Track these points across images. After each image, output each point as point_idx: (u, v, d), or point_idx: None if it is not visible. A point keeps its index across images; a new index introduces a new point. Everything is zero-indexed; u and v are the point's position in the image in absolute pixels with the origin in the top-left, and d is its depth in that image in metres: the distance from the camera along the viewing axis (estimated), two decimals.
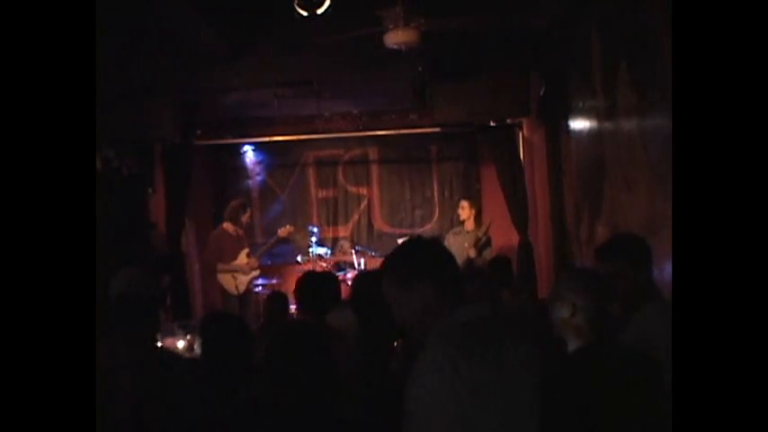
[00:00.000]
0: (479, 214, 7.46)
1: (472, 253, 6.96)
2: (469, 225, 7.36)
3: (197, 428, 2.55)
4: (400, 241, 7.39)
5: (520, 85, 6.77)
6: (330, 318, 4.03)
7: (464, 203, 7.52)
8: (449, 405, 1.75)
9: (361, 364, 2.64)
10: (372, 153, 9.15)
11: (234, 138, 8.43)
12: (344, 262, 8.29)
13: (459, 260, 6.71)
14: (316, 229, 8.26)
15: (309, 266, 7.95)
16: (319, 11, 5.18)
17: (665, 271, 3.15)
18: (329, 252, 8.36)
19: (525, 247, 7.11)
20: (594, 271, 2.67)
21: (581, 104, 5.47)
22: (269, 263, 8.33)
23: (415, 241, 2.13)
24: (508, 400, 1.80)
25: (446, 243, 7.42)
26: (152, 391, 2.68)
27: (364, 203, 9.16)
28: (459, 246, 7.05)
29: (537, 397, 1.84)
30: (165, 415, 2.61)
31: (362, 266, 8.00)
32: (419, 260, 1.97)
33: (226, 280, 7.22)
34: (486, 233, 7.25)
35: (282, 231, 7.80)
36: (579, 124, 5.60)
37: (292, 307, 5.33)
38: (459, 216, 7.55)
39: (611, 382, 2.19)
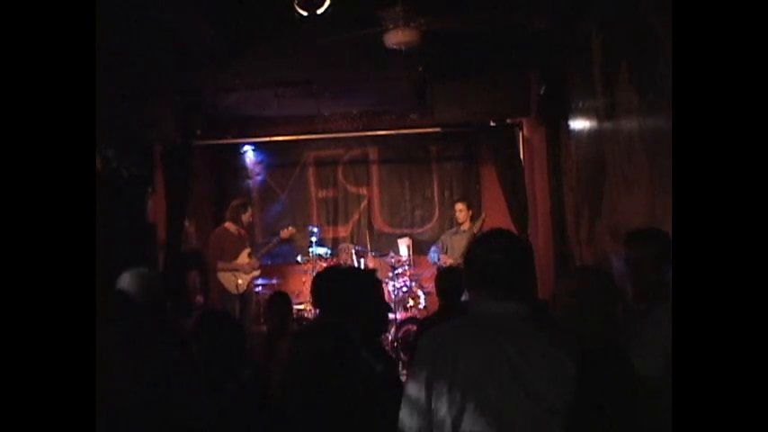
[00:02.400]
0: (475, 214, 7.48)
1: None
2: (466, 226, 7.42)
3: (189, 423, 2.55)
4: (401, 242, 7.37)
5: (520, 85, 6.77)
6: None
7: (460, 206, 7.55)
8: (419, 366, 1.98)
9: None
10: (372, 153, 9.15)
11: (234, 138, 8.44)
12: (345, 263, 8.29)
13: (461, 259, 6.76)
14: (316, 229, 8.27)
15: (309, 266, 7.96)
16: (319, 11, 5.17)
17: None
18: (329, 252, 8.37)
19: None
20: (602, 270, 2.67)
21: (581, 104, 5.48)
22: (269, 262, 8.33)
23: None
24: (476, 392, 1.87)
25: (444, 245, 7.49)
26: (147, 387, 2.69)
27: (364, 203, 9.17)
28: (459, 246, 7.12)
29: (524, 396, 1.86)
30: (159, 411, 2.61)
31: (362, 266, 8.01)
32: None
33: (226, 279, 7.22)
34: (480, 230, 7.28)
35: (285, 233, 7.81)
36: (579, 124, 5.60)
37: (296, 307, 5.33)
38: (456, 218, 7.59)
39: (619, 385, 2.19)
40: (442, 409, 1.89)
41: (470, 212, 7.49)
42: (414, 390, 1.94)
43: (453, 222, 8.04)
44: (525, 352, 1.90)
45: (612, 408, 2.14)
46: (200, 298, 7.54)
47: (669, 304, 2.51)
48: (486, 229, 7.36)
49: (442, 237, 7.80)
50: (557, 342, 1.96)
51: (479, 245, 2.13)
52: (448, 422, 1.88)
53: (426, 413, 1.91)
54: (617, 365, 2.24)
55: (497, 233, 2.18)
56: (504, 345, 1.91)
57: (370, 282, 2.82)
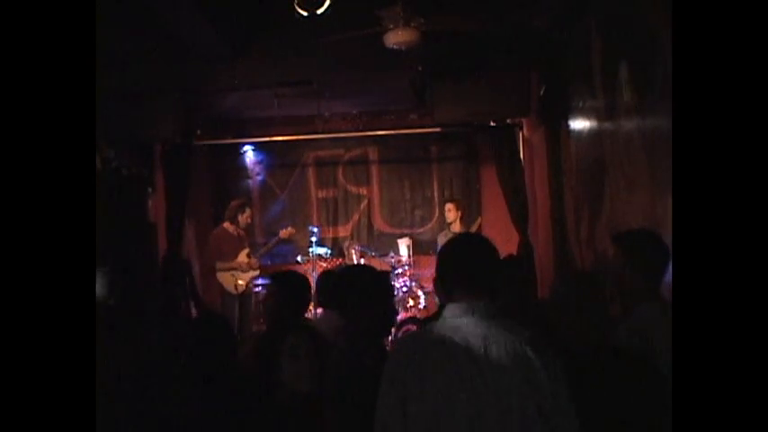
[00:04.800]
0: (465, 214, 7.49)
1: None
2: (456, 227, 7.44)
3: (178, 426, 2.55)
4: (401, 242, 7.36)
5: (520, 85, 6.76)
6: (321, 318, 4.04)
7: (449, 206, 7.56)
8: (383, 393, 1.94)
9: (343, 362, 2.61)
10: (372, 153, 9.15)
11: (234, 138, 8.43)
12: (350, 261, 8.30)
13: None
14: (316, 229, 8.27)
15: (309, 266, 7.96)
16: (319, 11, 5.18)
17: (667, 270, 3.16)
18: (329, 252, 8.36)
19: (525, 247, 7.11)
20: (594, 272, 2.68)
21: (581, 104, 5.47)
22: (269, 263, 8.34)
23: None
24: (457, 394, 1.85)
25: (439, 245, 7.54)
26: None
27: (364, 203, 9.16)
28: None
29: (503, 397, 1.83)
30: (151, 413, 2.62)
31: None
32: None
33: (225, 279, 7.22)
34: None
35: (284, 233, 7.81)
36: (579, 124, 5.60)
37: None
38: (446, 218, 7.61)
39: (609, 384, 2.19)
40: (416, 422, 1.86)
41: (459, 213, 7.48)
42: (386, 403, 1.91)
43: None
44: (496, 356, 1.87)
45: (606, 405, 2.14)
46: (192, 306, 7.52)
47: (641, 307, 2.55)
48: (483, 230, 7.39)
49: (438, 238, 7.83)
50: (529, 343, 1.91)
51: (447, 250, 2.13)
52: None
53: (401, 427, 1.88)
54: (609, 365, 2.24)
55: (465, 237, 2.19)
56: (474, 350, 1.88)
57: (382, 282, 2.82)
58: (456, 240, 2.21)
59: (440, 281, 2.09)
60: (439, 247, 7.73)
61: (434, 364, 1.88)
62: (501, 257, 2.18)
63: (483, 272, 2.03)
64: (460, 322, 1.94)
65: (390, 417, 1.90)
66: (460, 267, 2.04)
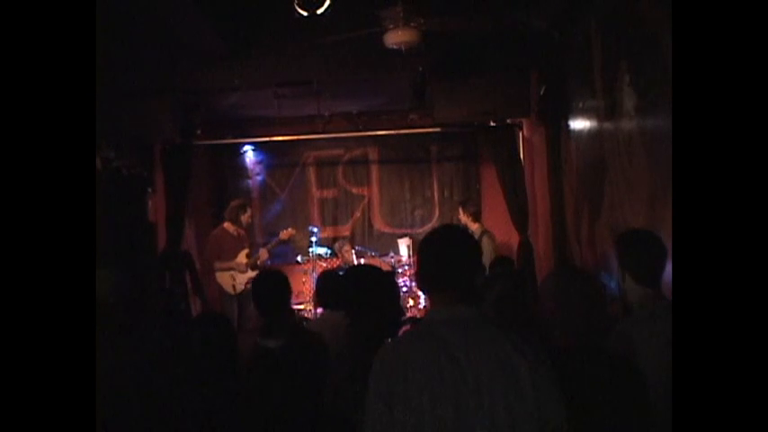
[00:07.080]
0: (477, 213, 7.47)
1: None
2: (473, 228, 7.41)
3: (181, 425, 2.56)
4: (401, 242, 7.32)
5: (520, 85, 6.76)
6: (321, 318, 4.04)
7: (460, 210, 7.57)
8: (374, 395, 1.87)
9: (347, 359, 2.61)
10: (372, 153, 9.16)
11: (234, 138, 8.44)
12: (345, 263, 8.30)
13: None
14: (316, 229, 8.27)
15: (309, 266, 7.96)
16: (319, 11, 5.17)
17: (664, 271, 3.16)
18: (329, 252, 8.37)
19: (525, 247, 7.11)
20: (584, 272, 2.68)
21: (581, 104, 5.47)
22: (269, 263, 8.34)
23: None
24: (441, 401, 1.81)
25: None
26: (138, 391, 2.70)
27: (364, 203, 9.17)
28: None
29: (494, 400, 1.81)
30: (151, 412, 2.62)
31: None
32: None
33: (223, 279, 7.21)
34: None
35: (284, 234, 7.81)
36: (579, 124, 5.60)
37: (296, 307, 5.32)
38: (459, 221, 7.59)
39: (597, 386, 2.18)
40: (405, 429, 1.82)
41: (468, 216, 7.46)
42: (373, 412, 1.87)
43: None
44: (478, 359, 1.83)
45: (594, 407, 2.13)
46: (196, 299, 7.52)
47: (650, 305, 2.55)
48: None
49: None
50: (514, 347, 1.86)
51: (426, 246, 2.03)
52: None
53: None
54: (598, 365, 2.23)
55: (443, 232, 2.10)
56: (456, 355, 1.83)
57: (389, 282, 2.81)
58: (433, 236, 2.09)
59: (419, 278, 2.03)
60: None
61: (417, 373, 1.83)
62: (491, 259, 2.14)
63: (459, 271, 1.96)
64: (442, 327, 1.89)
65: (379, 424, 1.86)
66: (437, 267, 1.97)
